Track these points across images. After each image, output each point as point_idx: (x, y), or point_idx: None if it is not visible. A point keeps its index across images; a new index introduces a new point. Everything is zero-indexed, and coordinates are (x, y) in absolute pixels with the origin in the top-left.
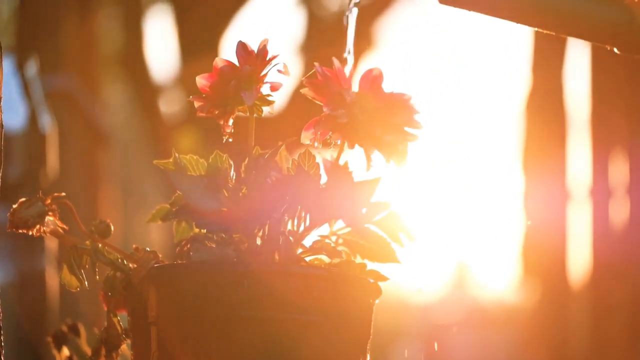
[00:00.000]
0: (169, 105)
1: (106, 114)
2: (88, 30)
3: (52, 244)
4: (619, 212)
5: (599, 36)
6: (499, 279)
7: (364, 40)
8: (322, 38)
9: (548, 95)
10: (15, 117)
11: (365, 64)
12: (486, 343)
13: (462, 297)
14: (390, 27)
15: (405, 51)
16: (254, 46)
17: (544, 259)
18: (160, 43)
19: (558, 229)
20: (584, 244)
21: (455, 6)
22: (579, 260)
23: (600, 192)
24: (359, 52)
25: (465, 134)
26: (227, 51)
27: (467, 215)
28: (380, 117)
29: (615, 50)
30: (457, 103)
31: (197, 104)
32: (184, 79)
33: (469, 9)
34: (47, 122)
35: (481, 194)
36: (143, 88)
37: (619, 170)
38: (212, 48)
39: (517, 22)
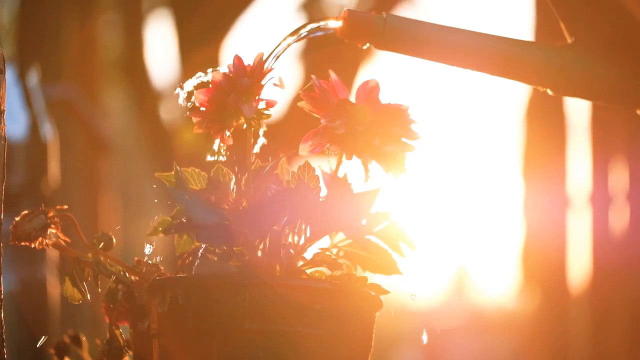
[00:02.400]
0: (170, 112)
1: (107, 122)
2: (89, 38)
3: (53, 253)
4: (619, 218)
5: (533, 78)
6: (498, 284)
7: (364, 49)
8: (322, 44)
9: (548, 101)
10: (17, 126)
11: (364, 72)
12: (486, 348)
13: (462, 302)
14: None
15: (404, 57)
16: (251, 59)
17: (543, 264)
18: (161, 50)
19: (558, 234)
20: (584, 250)
21: (393, 51)
22: (579, 266)
23: (600, 198)
24: (357, 60)
25: (465, 139)
26: (227, 57)
27: (467, 220)
28: (378, 128)
29: (549, 92)
30: (457, 109)
31: (195, 120)
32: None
33: (407, 54)
34: (48, 130)
35: (481, 200)
36: (144, 95)
37: (619, 176)
38: (213, 54)
39: (454, 65)
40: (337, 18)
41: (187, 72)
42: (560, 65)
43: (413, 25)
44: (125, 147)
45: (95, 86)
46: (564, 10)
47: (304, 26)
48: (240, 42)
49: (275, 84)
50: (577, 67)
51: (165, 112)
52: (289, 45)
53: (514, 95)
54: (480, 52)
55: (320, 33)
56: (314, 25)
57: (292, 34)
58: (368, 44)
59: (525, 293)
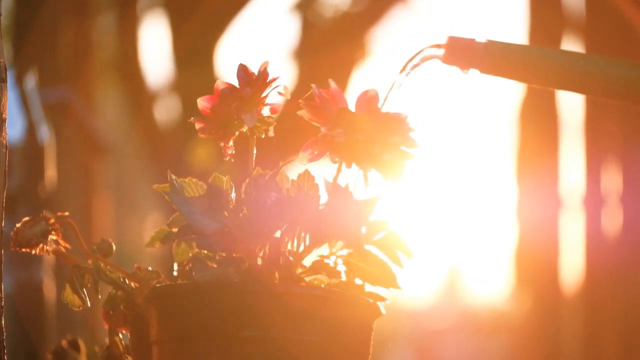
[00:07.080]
0: (168, 115)
1: (105, 125)
2: (85, 41)
3: (50, 256)
4: (612, 219)
5: (631, 97)
6: (491, 285)
7: (358, 50)
8: (317, 45)
9: (541, 102)
10: (14, 130)
11: (359, 75)
12: (478, 350)
13: (454, 303)
14: (384, 36)
15: (399, 60)
16: (254, 68)
17: (536, 266)
18: (158, 52)
19: (551, 236)
20: (577, 251)
21: (496, 75)
22: (572, 267)
23: (593, 199)
24: (353, 62)
25: (457, 140)
26: (223, 58)
27: (459, 221)
28: (377, 136)
29: None
30: (450, 110)
31: (198, 126)
32: (183, 88)
33: (510, 78)
34: (45, 134)
35: (474, 201)
36: (141, 98)
37: (612, 178)
38: (209, 56)
39: (557, 88)
40: (439, 45)
41: (182, 73)
42: None
43: (514, 50)
44: (122, 150)
45: (92, 89)
46: None
47: (410, 61)
48: (236, 44)
49: (279, 93)
50: None
51: (162, 115)
52: (400, 84)
53: (506, 96)
54: (585, 74)
55: (426, 62)
56: (418, 57)
57: (401, 72)
58: (471, 69)
59: (517, 294)
